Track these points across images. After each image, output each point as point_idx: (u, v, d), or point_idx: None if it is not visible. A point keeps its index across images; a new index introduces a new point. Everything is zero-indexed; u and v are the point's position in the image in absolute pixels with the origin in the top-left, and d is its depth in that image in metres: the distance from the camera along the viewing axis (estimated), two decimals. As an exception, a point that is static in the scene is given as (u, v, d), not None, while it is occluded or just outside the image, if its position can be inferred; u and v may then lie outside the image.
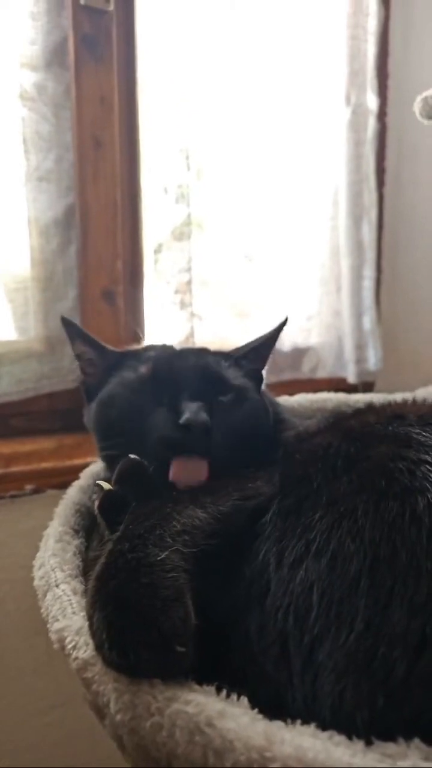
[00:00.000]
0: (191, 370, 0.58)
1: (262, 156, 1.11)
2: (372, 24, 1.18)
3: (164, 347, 0.67)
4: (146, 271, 1.10)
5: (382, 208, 1.34)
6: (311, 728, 0.33)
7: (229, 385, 0.59)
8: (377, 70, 1.24)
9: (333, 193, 1.24)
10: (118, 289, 1.05)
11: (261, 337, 0.67)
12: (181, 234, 1.04)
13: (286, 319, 0.66)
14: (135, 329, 1.10)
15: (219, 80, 1.08)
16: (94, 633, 0.38)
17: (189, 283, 1.06)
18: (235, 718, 0.33)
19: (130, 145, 1.05)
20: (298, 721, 0.34)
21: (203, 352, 0.64)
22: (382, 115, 1.29)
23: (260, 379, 0.67)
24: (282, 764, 0.30)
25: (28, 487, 0.92)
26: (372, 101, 1.22)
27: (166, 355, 0.63)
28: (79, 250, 1.01)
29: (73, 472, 0.72)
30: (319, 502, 0.43)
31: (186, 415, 0.51)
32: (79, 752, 0.97)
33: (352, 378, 1.26)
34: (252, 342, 0.67)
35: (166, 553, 0.39)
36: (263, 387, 0.69)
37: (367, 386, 1.33)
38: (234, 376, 0.60)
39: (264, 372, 0.68)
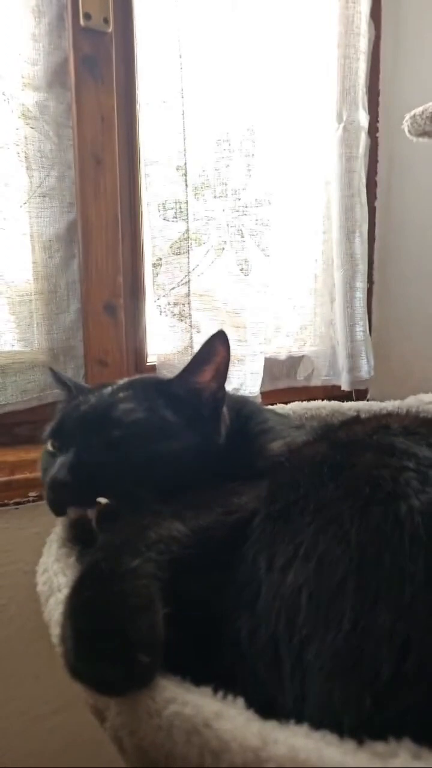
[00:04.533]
0: (81, 418, 0.59)
1: (258, 171, 1.14)
2: (363, 43, 1.20)
3: (81, 391, 0.68)
4: (146, 285, 1.12)
5: (374, 221, 1.37)
6: (304, 728, 0.34)
7: (115, 422, 0.58)
8: (368, 87, 1.26)
9: (326, 207, 1.26)
10: (119, 302, 1.07)
11: (193, 358, 0.65)
12: (180, 248, 1.07)
13: (219, 332, 0.63)
14: (136, 341, 1.13)
15: (215, 97, 1.10)
16: (63, 643, 0.39)
17: (187, 295, 1.08)
18: (231, 719, 0.34)
19: (129, 162, 1.07)
20: (292, 721, 0.35)
21: (114, 391, 0.63)
22: (373, 131, 1.32)
23: (200, 399, 0.64)
24: (276, 764, 0.31)
25: (32, 494, 0.94)
26: (363, 118, 1.24)
27: (72, 405, 0.63)
28: (81, 265, 1.03)
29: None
30: (307, 507, 0.43)
31: (48, 477, 0.54)
32: (81, 757, 0.98)
33: (345, 386, 1.27)
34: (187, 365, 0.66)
35: (138, 561, 0.40)
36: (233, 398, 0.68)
37: (360, 394, 1.35)
38: (130, 408, 0.59)
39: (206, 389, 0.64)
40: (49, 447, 0.62)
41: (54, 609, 0.48)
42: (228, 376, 0.65)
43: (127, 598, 0.38)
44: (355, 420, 0.59)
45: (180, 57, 1.02)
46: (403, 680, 0.34)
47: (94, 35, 0.99)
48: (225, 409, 0.66)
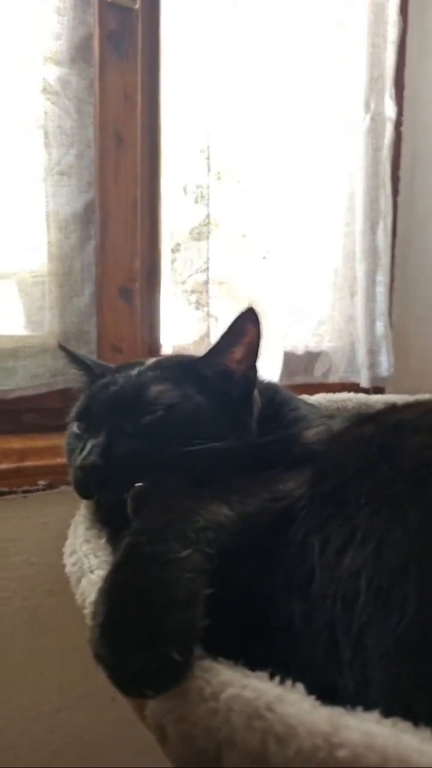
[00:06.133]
0: (111, 400, 0.57)
1: (281, 158, 1.12)
2: (392, 33, 1.19)
3: (109, 370, 0.65)
4: (163, 271, 1.09)
5: (396, 216, 1.36)
6: (375, 715, 0.32)
7: (148, 404, 0.56)
8: (395, 78, 1.25)
9: (349, 199, 1.24)
10: (136, 287, 1.04)
11: (221, 337, 0.61)
12: (200, 234, 1.04)
13: (248, 309, 0.59)
14: (151, 329, 1.10)
15: (240, 83, 1.09)
16: (92, 618, 0.36)
17: (206, 283, 1.06)
18: (294, 704, 0.32)
19: (151, 143, 1.05)
20: (360, 708, 0.32)
21: (142, 372, 0.61)
22: (397, 124, 1.31)
23: (230, 381, 0.61)
24: (350, 751, 0.29)
25: (41, 482, 0.90)
26: (390, 108, 1.23)
27: (99, 385, 0.61)
28: (98, 247, 1.00)
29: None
30: (359, 488, 0.42)
31: (79, 459, 0.53)
32: (83, 756, 0.94)
33: (364, 382, 1.25)
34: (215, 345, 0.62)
35: (189, 551, 0.38)
36: (263, 383, 0.66)
37: (378, 391, 1.33)
38: (162, 390, 0.57)
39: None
40: (75, 429, 0.59)
41: (87, 589, 0.46)
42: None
43: (170, 587, 0.36)
44: (398, 406, 0.58)
45: (206, 38, 1.00)
46: None
47: (121, 11, 0.98)
48: (256, 393, 0.63)
